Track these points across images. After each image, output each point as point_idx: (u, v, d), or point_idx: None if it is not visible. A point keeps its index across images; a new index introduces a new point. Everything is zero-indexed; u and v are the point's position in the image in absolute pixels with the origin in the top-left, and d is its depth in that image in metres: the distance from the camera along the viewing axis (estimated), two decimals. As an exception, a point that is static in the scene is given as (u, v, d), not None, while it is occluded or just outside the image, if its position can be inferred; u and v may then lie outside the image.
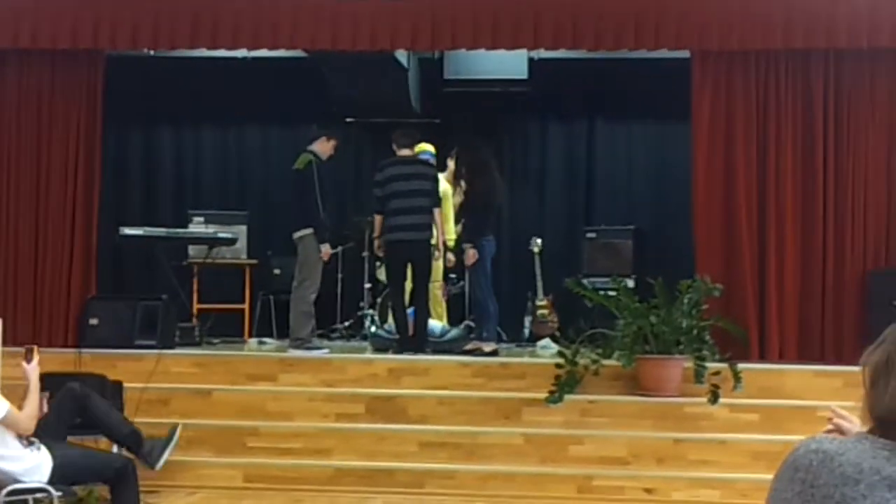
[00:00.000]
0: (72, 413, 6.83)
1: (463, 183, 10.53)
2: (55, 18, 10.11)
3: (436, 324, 10.58)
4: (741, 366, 8.81)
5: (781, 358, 9.69)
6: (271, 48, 10.48)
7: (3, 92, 10.50)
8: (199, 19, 10.06)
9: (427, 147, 11.01)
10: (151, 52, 11.49)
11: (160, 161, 13.32)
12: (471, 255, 10.13)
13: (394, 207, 10.07)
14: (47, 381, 8.06)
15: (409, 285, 10.35)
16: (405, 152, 10.41)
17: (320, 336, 11.09)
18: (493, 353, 9.96)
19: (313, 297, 10.19)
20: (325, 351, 10.07)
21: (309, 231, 10.14)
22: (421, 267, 10.19)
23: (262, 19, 10.03)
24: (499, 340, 10.57)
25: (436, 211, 10.21)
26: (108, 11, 10.09)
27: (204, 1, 10.03)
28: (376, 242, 10.39)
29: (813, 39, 9.71)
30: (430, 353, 9.89)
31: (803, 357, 9.65)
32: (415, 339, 10.02)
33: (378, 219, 10.25)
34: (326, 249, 10.26)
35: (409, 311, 10.19)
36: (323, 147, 10.44)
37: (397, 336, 10.21)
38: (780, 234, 9.88)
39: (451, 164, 11.12)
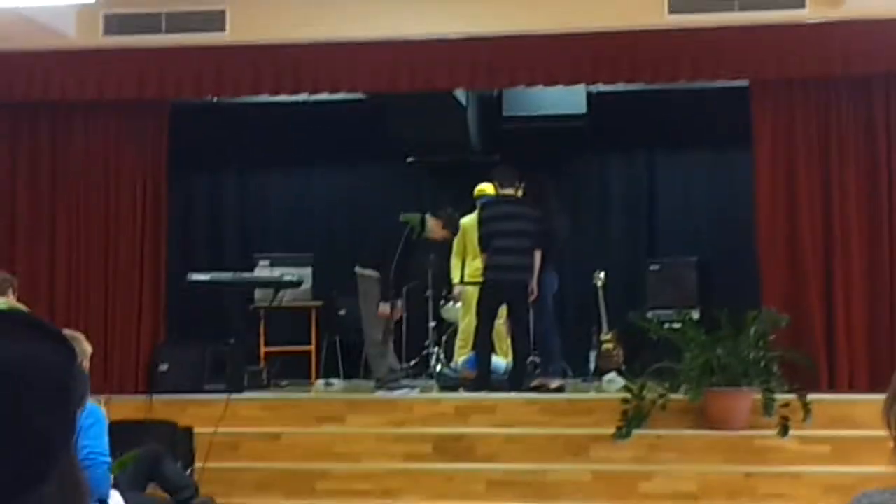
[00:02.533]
0: (149, 469, 7.09)
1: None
2: (121, 70, 10.30)
3: (500, 361, 10.58)
4: (810, 397, 8.71)
5: (851, 388, 9.57)
6: (332, 92, 10.61)
7: (71, 142, 10.70)
8: (260, 67, 10.21)
9: (487, 189, 10.97)
10: (215, 99, 11.65)
11: (225, 206, 13.45)
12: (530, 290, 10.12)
13: (495, 246, 10.06)
14: (120, 428, 8.21)
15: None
16: (507, 191, 10.38)
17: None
18: (560, 389, 9.95)
19: (379, 335, 10.21)
20: (405, 391, 10.01)
21: (374, 274, 10.18)
22: (518, 307, 10.13)
23: (321, 64, 10.15)
24: (564, 375, 10.55)
25: (536, 253, 10.10)
26: (172, 62, 10.27)
27: (264, 49, 10.17)
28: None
29: (872, 65, 9.64)
30: (497, 391, 9.88)
31: (874, 386, 9.46)
32: (513, 377, 10.03)
33: (483, 256, 10.27)
34: (384, 308, 10.17)
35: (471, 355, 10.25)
36: (434, 226, 10.49)
37: (463, 374, 10.23)
38: (846, 262, 9.79)
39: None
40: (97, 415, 5.61)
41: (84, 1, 9.34)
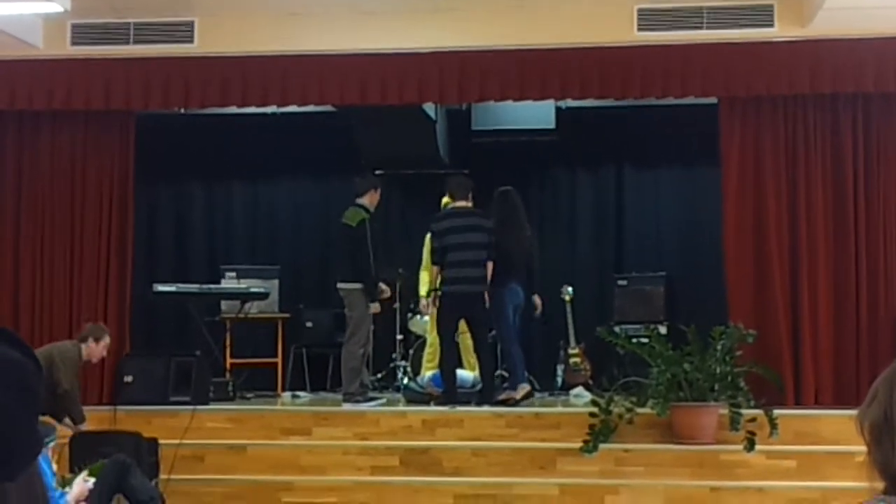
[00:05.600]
0: (116, 480, 7.05)
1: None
2: (87, 80, 10.23)
3: (467, 374, 10.56)
4: (777, 412, 8.74)
5: (817, 403, 9.62)
6: (301, 105, 10.60)
7: (37, 153, 10.62)
8: (229, 78, 10.17)
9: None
10: (182, 111, 11.60)
11: (191, 218, 13.37)
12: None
13: (450, 260, 10.03)
14: (84, 440, 8.18)
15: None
16: (461, 203, 10.34)
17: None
18: (528, 396, 9.92)
19: (361, 351, 10.13)
20: (372, 404, 9.96)
21: (358, 286, 10.12)
22: (478, 319, 10.11)
23: (290, 77, 10.12)
24: (531, 388, 10.53)
25: (489, 265, 10.02)
26: (139, 73, 10.20)
27: (233, 61, 10.13)
28: (431, 294, 10.37)
29: (839, 83, 9.71)
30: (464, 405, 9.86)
31: (839, 401, 9.55)
32: (483, 392, 10.00)
33: (434, 270, 10.24)
34: (376, 307, 10.24)
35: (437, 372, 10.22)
36: (372, 199, 10.43)
37: (429, 390, 10.21)
38: (812, 277, 9.84)
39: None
40: None
41: (52, 10, 9.28)
